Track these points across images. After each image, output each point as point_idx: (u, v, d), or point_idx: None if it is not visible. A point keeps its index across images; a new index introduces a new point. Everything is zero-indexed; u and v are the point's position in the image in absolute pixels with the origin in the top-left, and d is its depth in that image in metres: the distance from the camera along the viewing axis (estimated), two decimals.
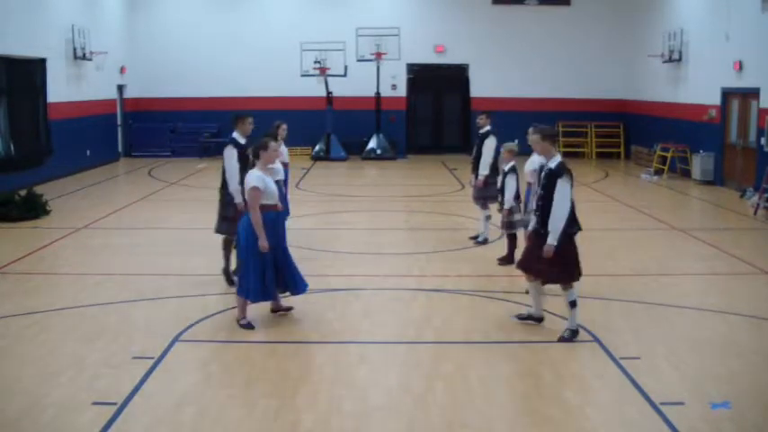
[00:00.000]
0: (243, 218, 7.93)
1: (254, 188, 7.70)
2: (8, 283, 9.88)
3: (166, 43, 25.63)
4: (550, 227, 7.42)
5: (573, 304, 7.60)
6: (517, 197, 10.58)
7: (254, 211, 7.69)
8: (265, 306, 8.33)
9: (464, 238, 12.33)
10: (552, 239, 7.41)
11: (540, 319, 8.09)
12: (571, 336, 7.62)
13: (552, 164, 7.52)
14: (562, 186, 7.39)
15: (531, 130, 7.89)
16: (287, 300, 8.44)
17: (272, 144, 7.99)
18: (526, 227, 10.65)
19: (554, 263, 7.49)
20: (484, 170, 11.59)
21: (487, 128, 11.82)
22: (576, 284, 7.65)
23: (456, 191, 18.19)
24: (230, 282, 9.27)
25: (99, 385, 6.48)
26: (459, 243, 12.04)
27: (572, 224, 7.52)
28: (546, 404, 6.27)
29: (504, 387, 6.57)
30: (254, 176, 7.77)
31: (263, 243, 7.68)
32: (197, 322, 8.17)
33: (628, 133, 25.82)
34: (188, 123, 25.70)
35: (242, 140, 9.23)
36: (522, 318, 8.18)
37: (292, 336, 7.93)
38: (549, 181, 7.48)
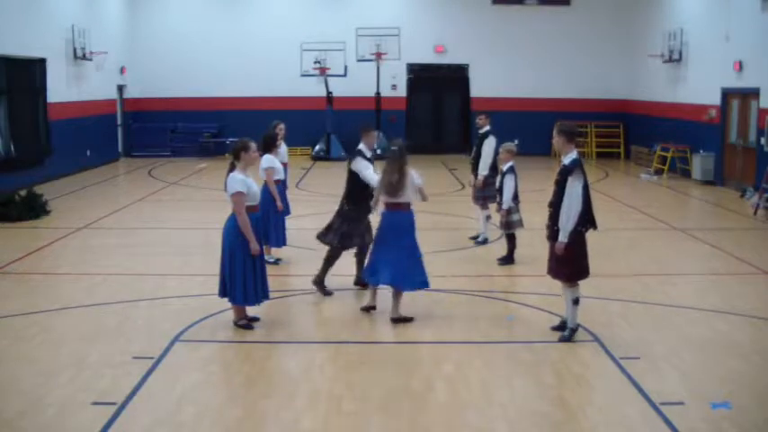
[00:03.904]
0: (227, 222, 7.77)
1: (239, 193, 7.58)
2: (8, 283, 9.88)
3: (166, 43, 25.62)
4: (561, 224, 7.38)
5: (576, 302, 7.58)
6: (515, 197, 10.60)
7: (243, 216, 7.58)
8: (265, 305, 8.31)
9: (464, 238, 12.33)
10: (563, 237, 7.36)
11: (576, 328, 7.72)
12: (571, 334, 7.61)
13: (566, 160, 7.44)
14: (572, 184, 7.32)
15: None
16: (252, 310, 8.25)
17: (253, 145, 7.82)
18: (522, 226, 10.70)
19: (565, 260, 7.45)
20: (483, 170, 11.59)
21: (487, 128, 11.83)
22: (579, 282, 7.64)
23: (456, 191, 18.20)
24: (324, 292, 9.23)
25: (99, 385, 6.47)
26: (459, 243, 12.04)
27: (584, 222, 7.44)
28: (546, 404, 6.28)
29: (504, 387, 6.57)
30: (237, 180, 7.62)
31: (255, 246, 7.63)
32: (197, 322, 8.17)
33: (628, 133, 25.82)
34: (188, 123, 25.70)
35: (368, 153, 9.06)
36: (555, 328, 7.89)
37: (292, 336, 7.93)
38: (561, 177, 7.41)
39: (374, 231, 8.66)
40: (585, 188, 7.41)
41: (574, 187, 7.32)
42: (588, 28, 25.80)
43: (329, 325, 8.24)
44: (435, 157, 25.31)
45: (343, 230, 9.14)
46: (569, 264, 7.48)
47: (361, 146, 9.07)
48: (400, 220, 8.18)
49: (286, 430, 5.78)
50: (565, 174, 7.38)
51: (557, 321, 7.97)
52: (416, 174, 8.20)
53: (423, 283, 8.29)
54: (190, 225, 13.76)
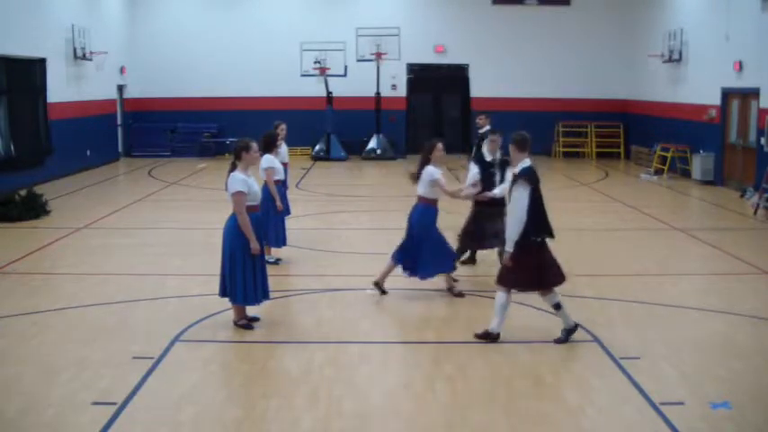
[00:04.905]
0: (228, 222, 7.79)
1: (239, 192, 7.61)
2: (8, 283, 9.88)
3: (166, 43, 25.61)
4: (506, 233, 7.36)
5: (557, 307, 7.55)
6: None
7: (243, 215, 7.61)
8: (265, 305, 8.31)
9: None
10: (509, 246, 7.30)
11: (496, 337, 7.59)
12: (567, 335, 7.58)
13: (517, 169, 7.43)
14: (516, 191, 7.26)
15: None
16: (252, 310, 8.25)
17: (254, 145, 7.85)
18: None
19: (511, 269, 7.37)
20: None
21: (487, 128, 11.85)
22: (557, 288, 7.56)
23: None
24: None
25: (99, 385, 6.48)
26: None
27: (538, 231, 7.29)
28: (546, 404, 6.28)
29: (504, 387, 6.57)
30: (238, 180, 7.66)
31: (255, 245, 7.65)
32: (197, 322, 8.17)
33: (628, 133, 25.82)
34: (188, 123, 25.70)
35: (487, 157, 9.69)
36: (480, 336, 7.65)
37: (292, 336, 7.94)
38: (511, 186, 7.42)
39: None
40: (536, 196, 7.26)
41: (519, 193, 7.25)
42: (588, 28, 25.79)
43: (329, 325, 8.24)
44: None
45: (468, 230, 10.05)
46: (515, 272, 7.32)
47: (484, 149, 9.92)
48: (413, 213, 9.22)
49: (286, 430, 5.78)
50: (513, 183, 7.38)
51: (557, 321, 7.96)
52: (434, 169, 8.86)
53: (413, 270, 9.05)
54: (190, 225, 13.76)
